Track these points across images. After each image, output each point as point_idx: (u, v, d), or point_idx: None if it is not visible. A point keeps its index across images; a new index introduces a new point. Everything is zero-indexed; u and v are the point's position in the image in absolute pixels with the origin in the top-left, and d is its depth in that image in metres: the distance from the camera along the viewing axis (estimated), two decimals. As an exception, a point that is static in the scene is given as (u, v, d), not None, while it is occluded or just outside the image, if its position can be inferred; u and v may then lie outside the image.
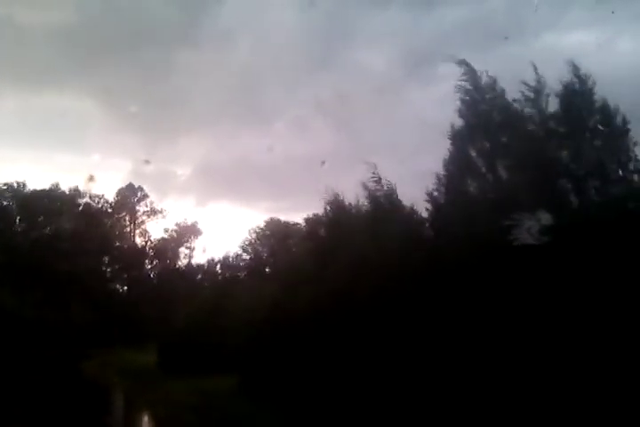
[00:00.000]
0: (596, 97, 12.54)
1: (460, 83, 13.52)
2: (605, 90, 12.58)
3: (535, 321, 10.78)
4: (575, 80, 12.62)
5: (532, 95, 12.82)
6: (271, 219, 68.10)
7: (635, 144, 12.25)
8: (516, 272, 11.12)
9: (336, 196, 18.93)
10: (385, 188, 16.23)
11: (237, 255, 70.05)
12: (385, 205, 16.26)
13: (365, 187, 16.72)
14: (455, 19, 64.47)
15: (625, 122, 12.31)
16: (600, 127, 12.42)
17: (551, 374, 10.45)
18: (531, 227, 11.29)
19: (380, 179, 16.16)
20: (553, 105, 12.84)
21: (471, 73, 13.46)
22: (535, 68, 12.74)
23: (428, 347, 12.38)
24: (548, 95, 12.77)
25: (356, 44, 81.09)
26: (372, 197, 16.71)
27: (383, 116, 63.86)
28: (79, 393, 26.98)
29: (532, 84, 12.76)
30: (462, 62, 13.53)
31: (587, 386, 10.02)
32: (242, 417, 17.70)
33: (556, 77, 12.66)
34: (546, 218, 11.33)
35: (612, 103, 12.38)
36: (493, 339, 11.24)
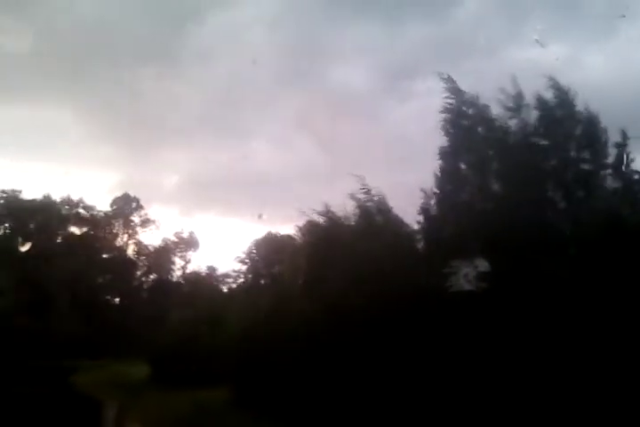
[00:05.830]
0: (578, 108, 12.85)
1: (444, 99, 13.69)
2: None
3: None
4: (556, 92, 12.87)
5: (513, 107, 13.02)
6: (268, 232, 67.85)
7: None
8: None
9: (327, 207, 19.00)
10: (375, 199, 16.33)
11: (233, 269, 70.11)
12: (376, 217, 16.33)
13: (355, 198, 16.82)
14: (425, 34, 65.64)
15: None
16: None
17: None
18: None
19: (369, 190, 16.25)
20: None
21: (454, 89, 13.61)
22: (515, 82, 12.94)
23: (418, 360, 12.44)
24: (528, 107, 13.00)
25: (332, 60, 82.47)
26: (362, 209, 16.78)
27: (362, 131, 64.84)
28: (71, 408, 26.69)
29: (511, 98, 13.00)
30: (447, 79, 13.67)
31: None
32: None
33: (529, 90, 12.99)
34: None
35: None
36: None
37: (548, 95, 12.96)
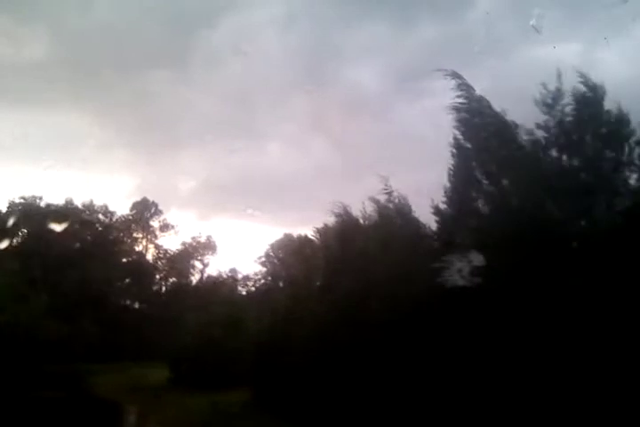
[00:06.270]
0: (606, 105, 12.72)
1: (454, 97, 13.66)
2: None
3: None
4: (584, 90, 12.75)
5: (549, 103, 12.91)
6: (285, 234, 67.82)
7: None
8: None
9: (345, 208, 19.03)
10: (395, 201, 16.28)
11: (253, 271, 70.35)
12: (395, 219, 16.29)
13: (374, 200, 16.82)
14: (436, 33, 65.29)
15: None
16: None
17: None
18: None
19: (391, 192, 16.21)
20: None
21: (464, 86, 13.56)
22: (559, 76, 12.79)
23: (435, 360, 12.40)
24: (565, 105, 12.85)
25: (343, 60, 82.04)
26: (381, 211, 16.77)
27: (379, 131, 64.47)
28: (90, 412, 26.72)
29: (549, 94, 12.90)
30: (455, 75, 13.63)
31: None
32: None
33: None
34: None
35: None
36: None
37: (577, 92, 12.82)
